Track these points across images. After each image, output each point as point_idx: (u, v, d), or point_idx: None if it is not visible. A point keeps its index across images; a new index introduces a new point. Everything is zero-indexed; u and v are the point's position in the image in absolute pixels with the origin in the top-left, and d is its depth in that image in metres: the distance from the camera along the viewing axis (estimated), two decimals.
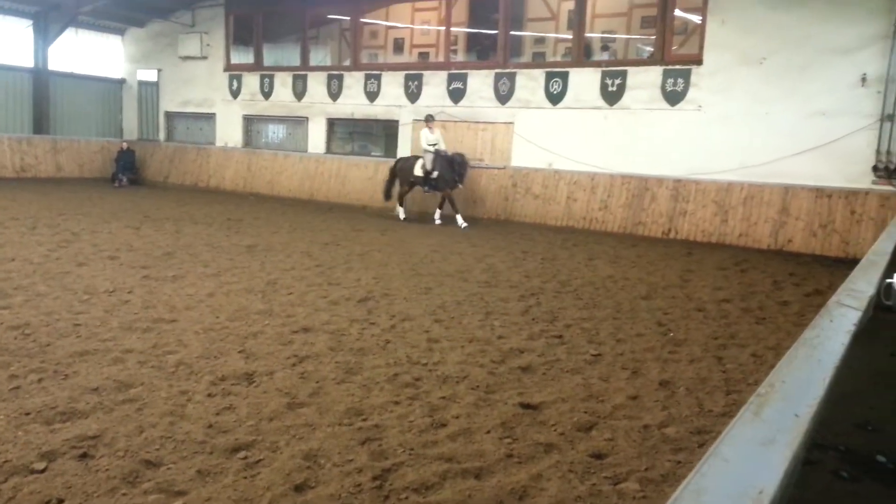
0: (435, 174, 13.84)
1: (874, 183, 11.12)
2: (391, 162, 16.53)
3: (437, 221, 14.10)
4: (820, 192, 11.51)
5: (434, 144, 14.00)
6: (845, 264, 9.19)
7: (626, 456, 3.73)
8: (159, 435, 3.74)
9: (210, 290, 7.20)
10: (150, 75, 21.07)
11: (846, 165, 11.27)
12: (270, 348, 5.34)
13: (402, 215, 14.71)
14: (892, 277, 3.02)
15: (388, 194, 14.93)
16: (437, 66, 16.30)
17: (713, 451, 1.23)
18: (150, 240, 10.25)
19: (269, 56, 19.18)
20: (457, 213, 13.78)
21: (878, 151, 11.05)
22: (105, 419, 3.91)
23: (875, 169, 11.08)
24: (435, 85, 15.86)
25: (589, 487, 3.37)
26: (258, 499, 3.14)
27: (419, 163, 14.11)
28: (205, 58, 19.67)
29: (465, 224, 13.62)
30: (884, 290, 2.98)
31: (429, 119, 14.30)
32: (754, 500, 1.08)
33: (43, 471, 3.30)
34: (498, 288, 7.97)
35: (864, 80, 11.14)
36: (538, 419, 4.19)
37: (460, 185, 13.82)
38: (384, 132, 17.19)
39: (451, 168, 13.65)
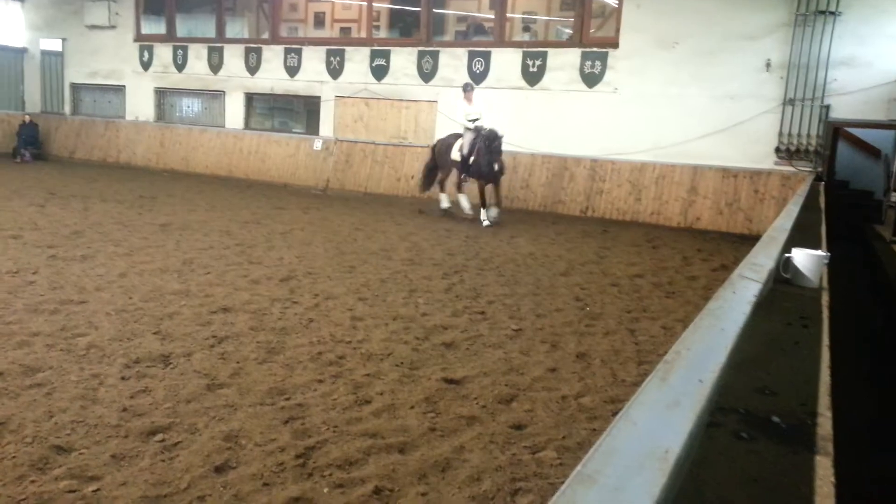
0: (472, 159, 11.24)
1: (776, 163, 11.76)
2: (313, 140, 16.24)
3: (485, 223, 11.15)
4: (726, 172, 12.06)
5: (475, 119, 11.36)
6: (749, 240, 9.69)
7: (544, 426, 3.85)
8: (70, 420, 3.61)
9: (122, 269, 6.92)
10: (53, 45, 19.79)
11: (751, 147, 11.86)
12: (188, 329, 5.21)
13: (444, 203, 12.24)
14: (790, 252, 3.21)
15: (425, 184, 12.56)
16: (360, 42, 16.06)
17: (623, 415, 1.30)
18: (57, 218, 9.73)
19: (183, 27, 18.37)
20: (486, 206, 11.23)
21: (780, 134, 11.67)
22: (11, 405, 3.73)
23: (777, 150, 11.71)
24: (358, 61, 15.63)
25: (509, 457, 3.47)
26: (177, 481, 3.08)
27: (458, 143, 11.57)
28: (113, 27, 18.65)
29: (487, 221, 11.17)
30: (782, 264, 3.17)
31: (467, 88, 11.51)
32: (660, 460, 1.14)
33: None
34: (422, 266, 8.01)
35: (768, 65, 11.71)
36: (461, 393, 4.27)
37: (497, 168, 10.96)
38: (306, 108, 16.83)
39: (489, 151, 10.91)
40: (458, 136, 11.72)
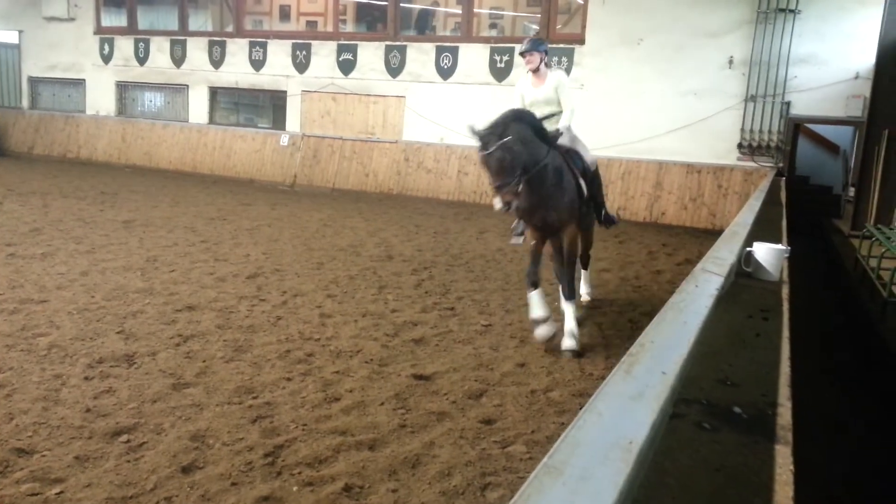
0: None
1: (739, 159, 11.98)
2: (279, 135, 16.04)
3: (583, 296, 6.47)
4: (690, 168, 12.26)
5: (546, 116, 5.51)
6: (713, 235, 9.87)
7: (513, 420, 3.88)
8: (32, 421, 3.54)
9: (83, 268, 6.78)
10: (9, 37, 19.24)
11: (714, 142, 12.06)
12: (152, 328, 5.13)
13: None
14: (751, 246, 3.28)
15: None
16: (326, 36, 15.93)
17: (588, 407, 1.32)
18: (15, 215, 9.48)
19: (144, 19, 18.02)
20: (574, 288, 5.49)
21: (742, 130, 11.89)
22: None
23: (740, 146, 11.93)
24: (324, 55, 15.50)
25: (479, 452, 3.49)
26: (143, 482, 3.04)
27: None
28: (72, 19, 18.21)
29: (564, 340, 5.18)
30: (744, 258, 3.24)
31: (532, 50, 5.55)
32: (624, 450, 1.17)
33: None
34: (391, 262, 7.99)
35: (730, 62, 11.92)
36: (431, 389, 4.27)
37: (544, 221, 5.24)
38: (271, 103, 16.64)
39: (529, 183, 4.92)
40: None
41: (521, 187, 4.69)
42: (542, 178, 4.95)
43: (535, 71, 5.59)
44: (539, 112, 5.45)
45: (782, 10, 11.39)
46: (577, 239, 5.49)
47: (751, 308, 2.69)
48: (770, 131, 11.76)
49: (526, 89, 5.71)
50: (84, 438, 3.40)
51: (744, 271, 3.21)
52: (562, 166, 5.18)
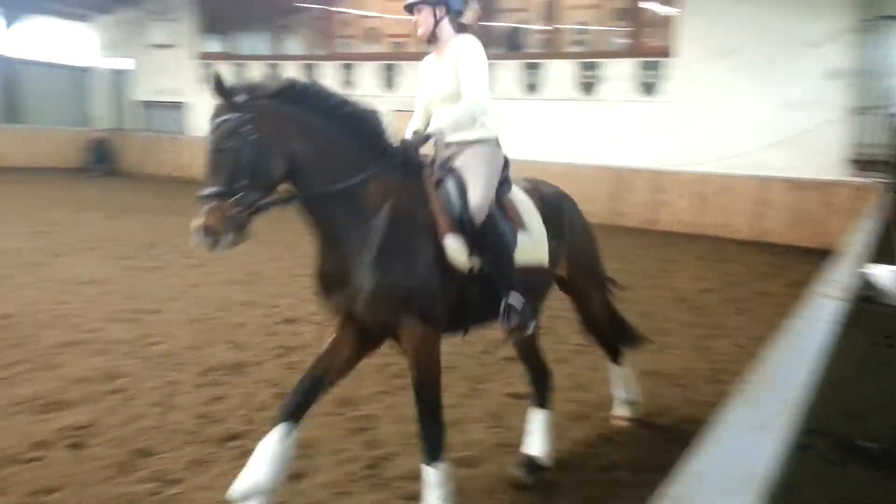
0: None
1: (852, 175, 11.31)
2: None
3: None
4: (794, 184, 11.70)
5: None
6: (820, 254, 9.39)
7: (615, 445, 3.81)
8: (150, 425, 3.76)
9: (193, 280, 7.17)
10: (121, 63, 20.76)
11: (818, 157, 11.47)
12: (257, 339, 5.36)
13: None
14: (869, 268, 3.12)
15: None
16: (415, 57, 16.25)
17: (708, 437, 1.30)
18: (130, 231, 10.14)
19: (242, 44, 19.04)
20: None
21: (848, 143, 11.26)
22: (94, 409, 3.92)
23: (850, 161, 11.29)
24: (414, 76, 15.79)
25: (581, 476, 3.45)
26: None
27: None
28: (176, 46, 19.47)
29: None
30: (862, 280, 3.08)
31: (419, 2, 3.32)
32: (749, 483, 1.14)
33: (33, 460, 3.31)
34: None
35: (832, 73, 11.34)
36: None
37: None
38: None
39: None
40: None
41: (249, 215, 2.63)
42: (342, 216, 2.87)
43: (433, 40, 3.49)
44: (442, 112, 3.43)
45: (886, 18, 10.77)
46: (433, 353, 3.15)
47: (873, 334, 2.56)
48: (878, 144, 11.10)
49: (425, 74, 3.63)
50: (198, 443, 3.59)
51: (863, 295, 3.05)
52: (405, 207, 2.91)
